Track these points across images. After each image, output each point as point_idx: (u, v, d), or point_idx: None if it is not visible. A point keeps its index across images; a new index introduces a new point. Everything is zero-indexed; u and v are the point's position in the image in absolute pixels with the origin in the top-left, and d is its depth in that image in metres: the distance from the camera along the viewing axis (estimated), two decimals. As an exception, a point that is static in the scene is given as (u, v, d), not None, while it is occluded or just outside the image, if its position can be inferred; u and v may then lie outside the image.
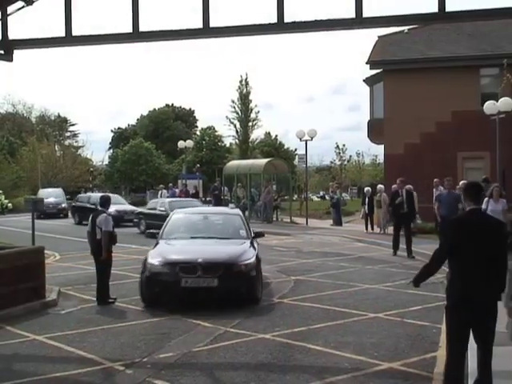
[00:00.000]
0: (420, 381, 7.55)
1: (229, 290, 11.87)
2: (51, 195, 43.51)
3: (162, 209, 26.96)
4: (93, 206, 28.17)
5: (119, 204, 33.79)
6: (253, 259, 12.34)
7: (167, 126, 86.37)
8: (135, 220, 30.02)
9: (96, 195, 33.70)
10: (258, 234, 14.56)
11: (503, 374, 7.11)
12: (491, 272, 6.28)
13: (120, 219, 30.00)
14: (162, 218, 19.51)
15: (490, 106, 22.24)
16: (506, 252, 6.57)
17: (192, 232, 13.97)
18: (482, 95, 27.63)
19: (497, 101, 22.31)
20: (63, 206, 43.15)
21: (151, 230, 16.81)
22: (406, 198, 19.63)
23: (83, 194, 45.45)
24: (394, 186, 25.84)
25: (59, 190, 46.77)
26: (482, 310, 6.27)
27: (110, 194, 33.80)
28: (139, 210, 32.30)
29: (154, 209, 28.53)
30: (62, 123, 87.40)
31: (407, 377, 7.72)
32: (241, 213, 15.63)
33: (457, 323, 6.32)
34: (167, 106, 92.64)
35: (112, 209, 28.30)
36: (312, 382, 7.55)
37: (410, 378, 7.65)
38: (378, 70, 31.88)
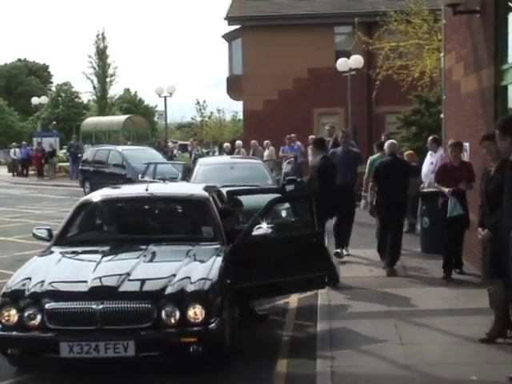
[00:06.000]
0: (274, 324, 8.03)
1: None
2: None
3: None
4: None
5: None
6: None
7: (20, 82, 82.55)
8: None
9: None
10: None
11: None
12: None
13: None
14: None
15: (342, 64, 22.97)
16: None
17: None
18: (337, 53, 28.36)
19: (349, 58, 23.09)
20: None
21: None
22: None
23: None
24: (252, 141, 26.28)
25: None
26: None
27: None
28: None
29: None
30: None
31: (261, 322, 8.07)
32: None
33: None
34: (19, 60, 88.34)
35: None
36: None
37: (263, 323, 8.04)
38: (237, 26, 32.00)
